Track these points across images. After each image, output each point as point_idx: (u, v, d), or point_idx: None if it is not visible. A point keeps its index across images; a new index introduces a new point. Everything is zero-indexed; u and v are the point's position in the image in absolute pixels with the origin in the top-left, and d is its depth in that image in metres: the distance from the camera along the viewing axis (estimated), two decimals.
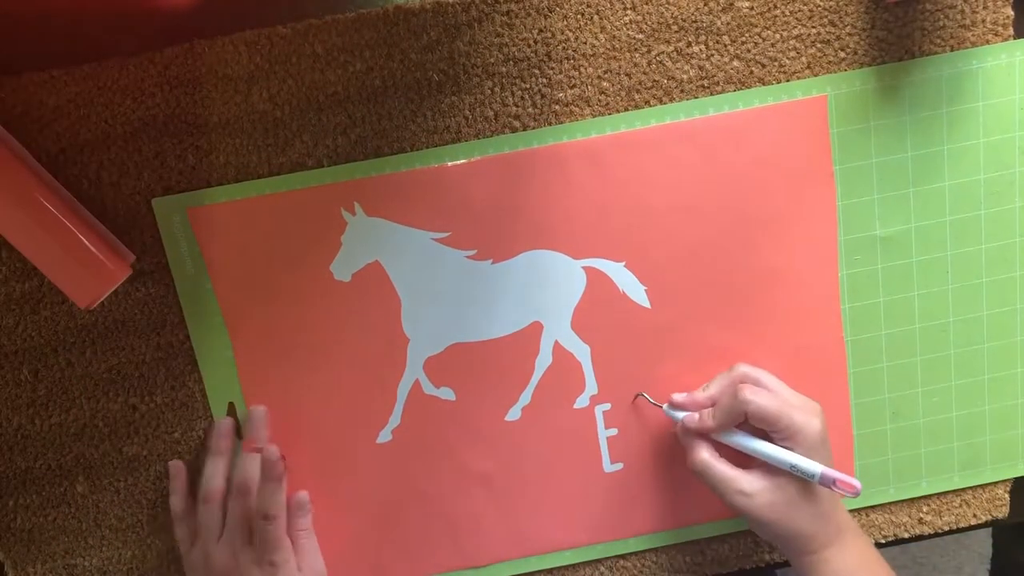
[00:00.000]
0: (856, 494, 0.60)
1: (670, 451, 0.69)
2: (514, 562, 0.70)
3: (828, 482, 0.60)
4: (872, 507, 0.72)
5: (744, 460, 0.63)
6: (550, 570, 0.71)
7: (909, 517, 0.72)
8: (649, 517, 0.70)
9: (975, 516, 0.73)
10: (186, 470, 0.67)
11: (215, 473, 0.65)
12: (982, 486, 0.72)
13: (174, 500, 0.66)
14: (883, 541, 0.72)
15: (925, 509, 0.72)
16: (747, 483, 0.62)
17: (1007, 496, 0.73)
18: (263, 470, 0.63)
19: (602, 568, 0.71)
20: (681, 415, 0.65)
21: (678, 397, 0.65)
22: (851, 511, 0.71)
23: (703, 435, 0.64)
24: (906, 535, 0.73)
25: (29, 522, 0.68)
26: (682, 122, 0.64)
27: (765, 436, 0.62)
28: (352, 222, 0.64)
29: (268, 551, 0.62)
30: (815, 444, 0.61)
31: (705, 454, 0.63)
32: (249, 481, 0.64)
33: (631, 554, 0.71)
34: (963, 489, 0.72)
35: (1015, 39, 0.65)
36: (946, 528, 0.73)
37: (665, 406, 0.66)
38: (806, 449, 0.61)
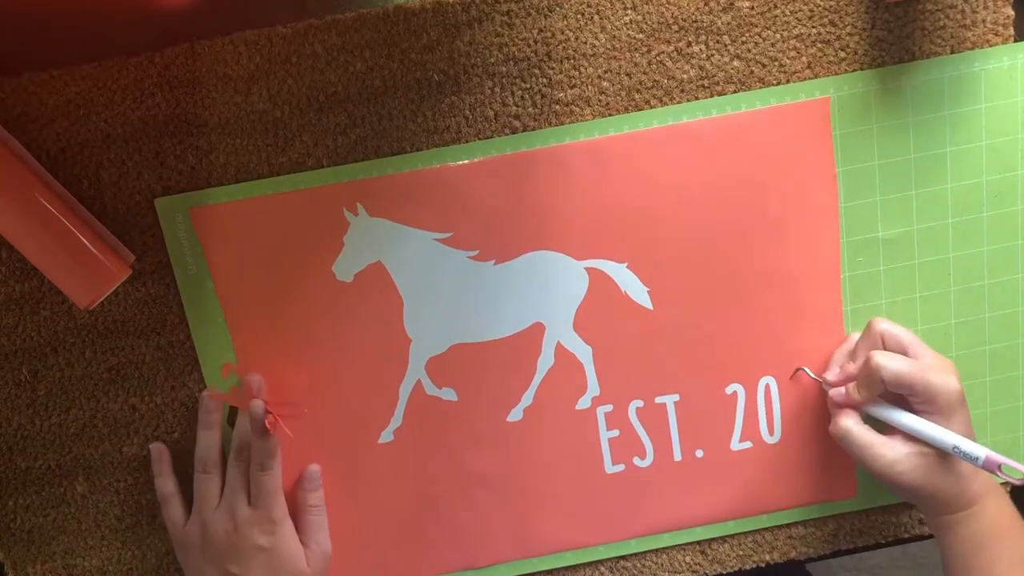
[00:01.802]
0: (1022, 481, 0.59)
1: (671, 452, 0.69)
2: (515, 563, 0.70)
3: (993, 467, 0.59)
4: (872, 507, 0.72)
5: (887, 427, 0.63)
6: (551, 571, 0.71)
7: (909, 517, 0.72)
8: (650, 518, 0.70)
9: None
10: (168, 452, 0.67)
11: (210, 444, 0.65)
12: None
13: (160, 482, 0.66)
14: (883, 541, 0.72)
15: None
16: (888, 449, 0.62)
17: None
18: (251, 425, 0.63)
19: (602, 568, 0.71)
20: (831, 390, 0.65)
21: (831, 376, 0.65)
22: (852, 512, 0.71)
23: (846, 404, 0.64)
24: (906, 535, 0.73)
25: (29, 522, 0.68)
26: (685, 123, 0.64)
27: (905, 401, 0.62)
28: (354, 222, 0.64)
29: (266, 506, 0.63)
30: (954, 405, 0.60)
31: (847, 421, 0.63)
32: (246, 439, 0.64)
33: (632, 555, 0.71)
34: None
35: (1016, 40, 0.65)
36: None
37: (826, 382, 0.66)
38: (945, 411, 0.60)
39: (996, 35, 0.64)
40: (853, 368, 0.64)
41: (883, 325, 0.64)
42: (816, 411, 0.69)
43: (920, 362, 0.61)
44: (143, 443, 0.67)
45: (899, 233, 0.67)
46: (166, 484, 0.66)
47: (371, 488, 0.68)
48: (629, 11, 0.63)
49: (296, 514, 0.66)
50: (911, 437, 0.61)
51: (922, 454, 0.61)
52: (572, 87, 0.63)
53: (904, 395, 0.61)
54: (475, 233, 0.64)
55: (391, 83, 0.63)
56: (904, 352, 0.62)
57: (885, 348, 0.63)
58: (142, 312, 0.65)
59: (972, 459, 0.59)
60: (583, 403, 0.68)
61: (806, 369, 0.67)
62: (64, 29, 0.61)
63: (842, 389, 0.64)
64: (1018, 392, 0.70)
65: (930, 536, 0.74)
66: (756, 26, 0.63)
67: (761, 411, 0.69)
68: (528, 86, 0.63)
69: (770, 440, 0.69)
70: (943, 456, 0.61)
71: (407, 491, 0.68)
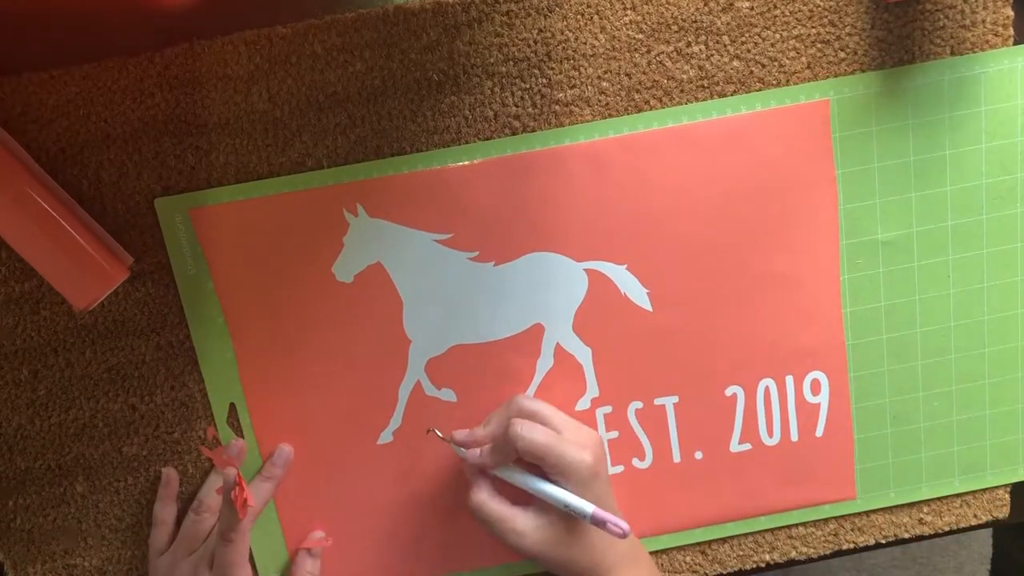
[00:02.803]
0: (624, 536, 0.59)
1: (670, 453, 0.69)
2: (515, 564, 0.70)
3: (599, 522, 0.59)
4: (873, 508, 0.72)
5: (529, 496, 0.63)
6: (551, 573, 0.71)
7: (909, 517, 0.72)
8: (650, 519, 0.70)
9: (975, 516, 0.73)
10: (179, 481, 0.67)
11: (212, 489, 0.66)
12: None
13: (159, 506, 0.67)
14: (883, 541, 0.72)
15: (925, 509, 0.72)
16: (520, 522, 0.61)
17: (1007, 496, 0.73)
18: (223, 492, 0.62)
19: None
20: (465, 452, 0.64)
21: (460, 435, 0.65)
22: (852, 514, 0.71)
23: (484, 472, 0.64)
24: (906, 535, 0.73)
25: (29, 522, 0.68)
26: (684, 125, 0.64)
27: (542, 471, 0.62)
28: (354, 223, 0.64)
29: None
30: (586, 479, 0.60)
31: (481, 495, 0.63)
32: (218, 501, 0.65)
33: None
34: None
35: (1016, 40, 0.65)
36: (946, 528, 0.73)
37: (452, 443, 0.65)
38: (577, 483, 0.60)
39: (996, 35, 0.64)
40: (482, 432, 0.64)
41: (522, 401, 0.64)
42: (816, 414, 0.69)
43: (557, 435, 0.61)
44: (143, 443, 0.67)
45: (899, 235, 0.67)
46: (163, 510, 0.67)
47: (370, 489, 0.68)
48: (629, 11, 0.63)
49: (292, 573, 0.67)
50: (544, 507, 0.62)
51: (552, 525, 0.61)
52: (572, 87, 0.63)
53: (540, 466, 0.61)
54: (475, 234, 0.64)
55: (391, 83, 0.63)
56: (545, 424, 0.63)
57: (518, 450, 0.61)
58: (142, 312, 0.65)
59: (581, 515, 0.59)
60: (582, 404, 0.68)
61: (436, 431, 0.66)
62: (64, 29, 0.61)
63: (476, 451, 0.64)
64: (1017, 395, 0.70)
65: (930, 536, 0.74)
66: (756, 26, 0.63)
67: (761, 413, 0.69)
68: (528, 86, 0.63)
69: (769, 442, 0.69)
70: (574, 527, 0.61)
71: (406, 492, 0.68)
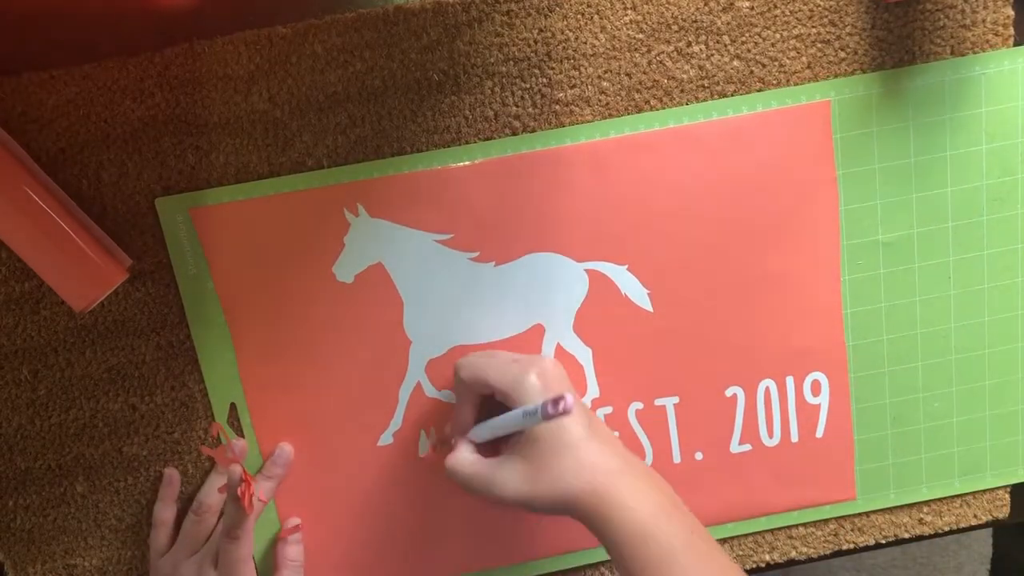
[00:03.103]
0: (569, 406, 0.50)
1: (671, 454, 0.69)
2: (515, 566, 0.70)
3: (548, 407, 0.50)
4: (873, 509, 0.72)
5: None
6: (551, 573, 0.71)
7: (909, 517, 0.72)
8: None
9: (975, 517, 0.73)
10: (180, 482, 0.67)
11: (213, 489, 0.66)
12: None
13: (159, 507, 0.67)
14: (883, 541, 0.72)
15: (925, 510, 0.72)
16: (498, 472, 0.57)
17: (1008, 497, 0.73)
18: (228, 490, 0.62)
19: (603, 569, 0.71)
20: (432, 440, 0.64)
21: (447, 427, 0.64)
22: (852, 515, 0.71)
23: (456, 444, 0.61)
24: (906, 535, 0.73)
25: (29, 522, 0.68)
26: (685, 126, 0.64)
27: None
28: (355, 223, 0.64)
29: (229, 574, 0.62)
30: (538, 393, 0.56)
31: (451, 459, 0.59)
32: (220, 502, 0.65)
33: None
34: None
35: (1016, 40, 0.65)
36: (946, 528, 0.73)
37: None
38: (532, 400, 0.55)
39: (996, 35, 0.64)
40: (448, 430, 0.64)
41: (463, 359, 0.61)
42: (816, 415, 0.69)
43: (496, 360, 0.59)
44: (143, 443, 0.67)
45: (899, 236, 0.67)
46: (164, 511, 0.67)
47: (370, 490, 0.68)
48: (629, 11, 0.62)
49: (276, 564, 0.67)
50: (517, 450, 0.57)
51: (529, 460, 0.56)
52: (572, 87, 0.63)
53: (497, 399, 0.59)
54: (475, 235, 0.64)
55: (391, 83, 0.63)
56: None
57: (463, 380, 0.60)
58: (142, 312, 0.65)
59: (534, 414, 0.53)
60: None
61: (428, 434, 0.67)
62: (64, 29, 0.61)
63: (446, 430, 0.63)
64: (1018, 396, 0.70)
65: (930, 536, 0.74)
66: (756, 26, 0.63)
67: (761, 414, 0.69)
68: (528, 86, 0.63)
69: (770, 443, 0.69)
70: (552, 454, 0.55)
71: (407, 493, 0.68)
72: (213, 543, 0.65)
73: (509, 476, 0.56)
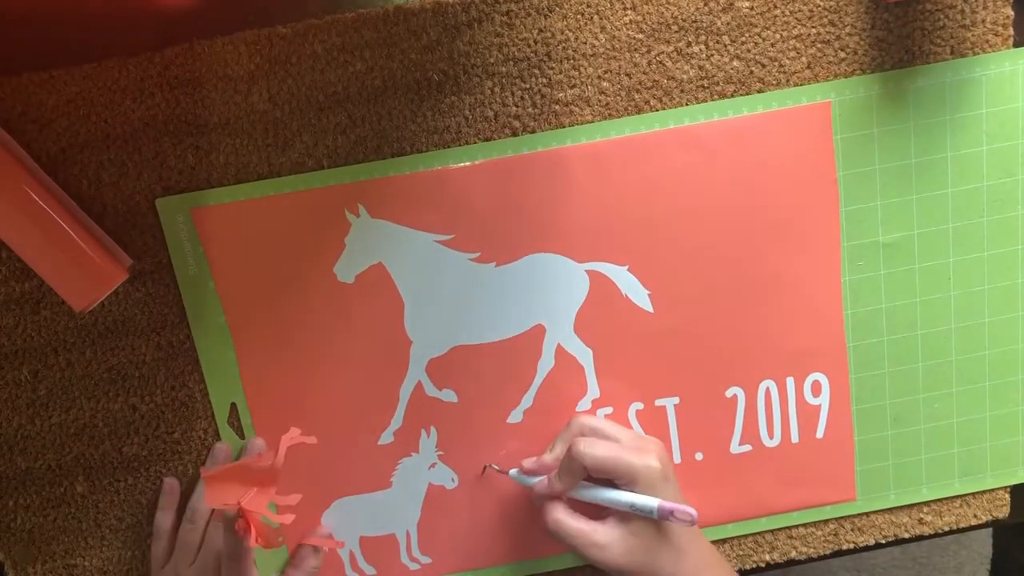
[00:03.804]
0: (692, 522, 0.59)
1: (671, 455, 0.69)
2: (515, 564, 0.70)
3: (666, 514, 0.59)
4: (873, 510, 0.72)
5: (602, 512, 0.62)
6: (551, 572, 0.71)
7: (909, 517, 0.72)
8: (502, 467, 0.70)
9: (975, 516, 0.73)
10: (179, 490, 0.67)
11: (203, 495, 0.65)
12: None
13: (160, 516, 0.67)
14: (883, 541, 0.72)
15: (925, 510, 0.72)
16: (601, 535, 0.61)
17: (1007, 496, 0.73)
18: (224, 523, 0.61)
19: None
20: (533, 480, 0.64)
21: (528, 463, 0.65)
22: (852, 515, 0.71)
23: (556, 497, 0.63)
24: (906, 535, 0.73)
25: (29, 522, 0.68)
26: (686, 126, 0.64)
27: (614, 485, 0.62)
28: (356, 224, 0.64)
29: None
30: (656, 482, 0.60)
31: (557, 513, 0.62)
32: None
33: None
34: None
35: (1015, 40, 0.65)
36: (946, 528, 0.73)
37: (513, 472, 0.66)
38: (648, 488, 0.60)
39: (996, 35, 0.64)
40: (549, 458, 0.64)
41: (583, 420, 0.65)
42: (817, 415, 0.69)
43: (619, 446, 0.62)
44: (143, 443, 0.67)
45: (900, 237, 0.67)
46: (165, 520, 0.67)
47: (371, 489, 0.68)
48: (629, 11, 0.62)
49: (293, 562, 0.67)
50: (622, 519, 0.61)
51: (633, 534, 0.61)
52: (572, 87, 0.63)
53: (611, 479, 0.61)
54: (476, 235, 0.64)
55: (391, 83, 0.63)
56: (607, 439, 0.63)
57: (585, 467, 0.61)
58: (142, 312, 0.65)
59: (648, 512, 0.59)
60: (583, 405, 0.68)
61: (493, 466, 0.67)
62: (64, 29, 0.61)
63: (544, 480, 0.64)
64: (1018, 396, 0.70)
65: (930, 536, 0.74)
66: (756, 26, 0.63)
67: (761, 414, 0.69)
68: (528, 86, 0.63)
69: (770, 444, 0.69)
70: (656, 534, 0.61)
71: (407, 493, 0.68)
72: (209, 551, 0.65)
73: (614, 546, 0.61)
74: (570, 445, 0.61)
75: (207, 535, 0.66)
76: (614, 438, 0.63)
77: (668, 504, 0.59)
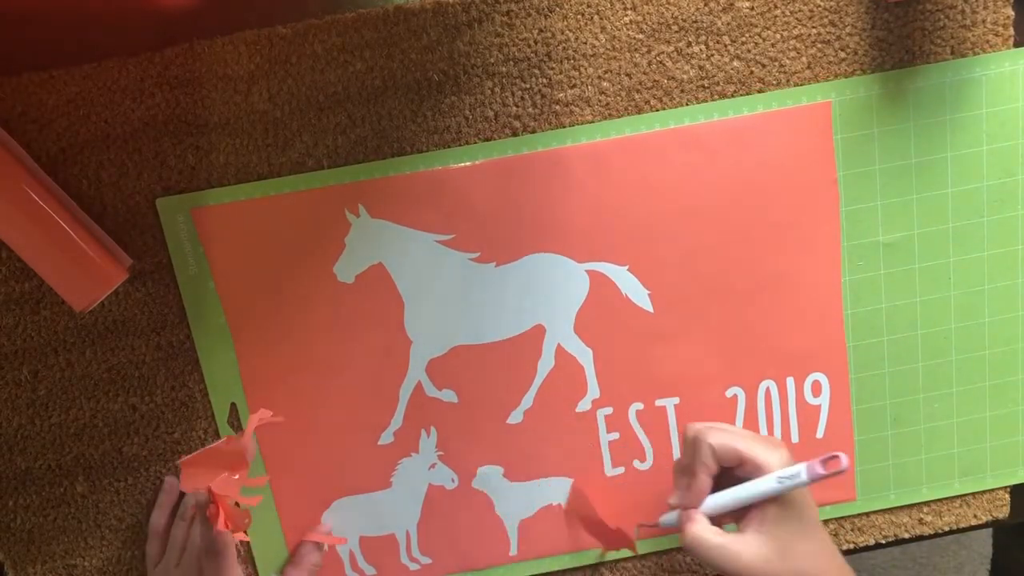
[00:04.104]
0: (844, 468, 0.55)
1: (671, 455, 0.69)
2: (515, 565, 0.70)
3: (815, 473, 0.55)
4: (873, 510, 0.72)
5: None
6: (550, 573, 0.71)
7: (909, 517, 0.72)
8: (650, 520, 0.70)
9: (975, 516, 0.73)
10: (179, 490, 0.67)
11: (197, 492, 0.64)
12: None
13: (156, 515, 0.67)
14: (883, 541, 0.72)
15: (925, 510, 0.72)
16: (742, 544, 0.58)
17: (1007, 496, 0.73)
18: (198, 512, 0.61)
19: (603, 570, 0.71)
20: (675, 513, 0.62)
21: (674, 499, 0.62)
22: (852, 515, 0.71)
23: (692, 511, 0.61)
24: (906, 535, 0.73)
25: (29, 522, 0.68)
26: (686, 126, 0.64)
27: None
28: (356, 224, 0.64)
29: None
30: (787, 461, 0.58)
31: (695, 527, 0.59)
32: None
33: (632, 557, 0.71)
34: None
35: (1016, 40, 0.65)
36: (946, 528, 0.73)
37: (662, 519, 0.63)
38: (781, 467, 0.57)
39: (996, 35, 0.64)
40: (685, 480, 0.61)
41: (699, 424, 0.61)
42: (817, 415, 0.69)
43: (743, 431, 0.60)
44: (143, 443, 0.67)
45: (900, 237, 0.67)
46: (159, 518, 0.67)
47: (371, 489, 0.68)
48: (629, 11, 0.62)
49: (293, 560, 0.67)
50: (758, 526, 0.58)
51: (770, 540, 0.58)
52: (572, 87, 0.63)
53: (738, 474, 0.59)
54: (476, 235, 0.64)
55: (391, 83, 0.63)
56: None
57: (712, 447, 0.59)
58: (142, 312, 0.65)
59: (796, 475, 0.56)
60: (583, 405, 0.68)
61: (645, 524, 0.66)
62: (64, 29, 0.61)
63: (676, 496, 0.61)
64: (1018, 397, 0.70)
65: (930, 536, 0.74)
66: (756, 26, 0.63)
67: (761, 414, 0.69)
68: (528, 86, 0.63)
69: None
70: (795, 534, 0.58)
71: (408, 492, 0.68)
72: (192, 550, 0.64)
73: (758, 552, 0.57)
74: (695, 445, 0.59)
75: (191, 533, 0.65)
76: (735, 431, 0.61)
77: (815, 463, 0.55)
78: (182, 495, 0.67)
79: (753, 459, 0.57)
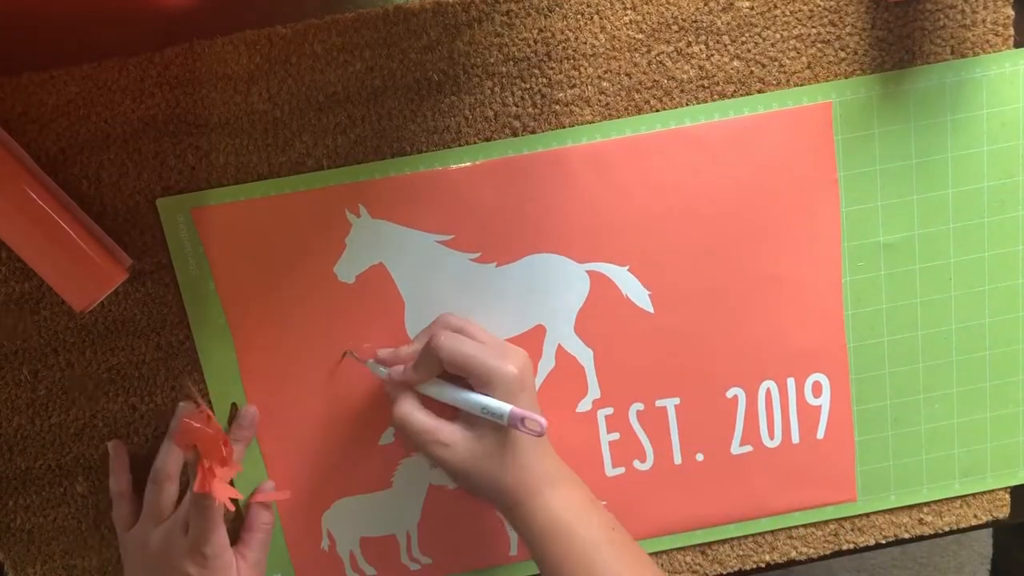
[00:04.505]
0: (541, 433, 0.57)
1: (671, 455, 0.69)
2: (515, 565, 0.70)
3: (516, 421, 0.57)
4: (873, 510, 0.72)
5: (451, 414, 0.61)
6: None
7: (909, 518, 0.72)
8: (651, 520, 0.70)
9: (976, 517, 0.73)
10: (127, 451, 0.66)
11: (168, 457, 0.64)
12: None
13: (114, 480, 0.66)
14: (884, 542, 0.72)
15: (926, 510, 0.72)
16: (447, 433, 0.59)
17: (1008, 497, 0.73)
18: (186, 456, 0.62)
19: None
20: (387, 371, 0.63)
21: (383, 352, 0.64)
22: (852, 516, 0.71)
23: (408, 388, 0.62)
24: (907, 535, 0.73)
25: (29, 522, 0.68)
26: (686, 127, 0.64)
27: (469, 388, 0.60)
28: (357, 224, 0.64)
29: (199, 541, 0.61)
30: (512, 389, 0.59)
31: (405, 406, 0.60)
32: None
33: None
34: None
35: (1016, 40, 0.65)
36: (947, 529, 0.73)
37: (370, 362, 0.64)
38: (504, 394, 0.58)
39: (996, 35, 0.64)
40: (407, 350, 0.63)
41: (449, 316, 0.64)
42: (817, 416, 0.69)
43: (481, 345, 0.60)
44: (143, 443, 0.67)
45: (900, 238, 0.67)
46: (119, 484, 0.65)
47: (371, 489, 0.68)
48: (629, 11, 0.62)
49: (246, 526, 0.67)
50: (470, 422, 0.60)
51: (479, 438, 0.59)
52: (572, 87, 0.63)
53: (466, 378, 0.60)
54: (477, 236, 0.64)
55: (391, 83, 0.63)
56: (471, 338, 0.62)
57: (448, 355, 0.60)
58: (142, 312, 0.65)
59: (498, 416, 0.58)
60: (583, 406, 0.68)
61: (352, 353, 0.65)
62: (64, 29, 0.61)
63: (400, 368, 0.62)
64: (1018, 397, 0.70)
65: (930, 536, 0.74)
66: (756, 26, 0.63)
67: (762, 415, 0.69)
68: (528, 86, 0.63)
69: (770, 444, 0.69)
70: (501, 442, 0.59)
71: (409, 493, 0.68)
72: (181, 510, 0.63)
73: (458, 446, 0.59)
74: (430, 336, 0.60)
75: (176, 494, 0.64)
76: (479, 340, 0.62)
77: (520, 411, 0.57)
78: (145, 460, 0.66)
79: (478, 378, 0.59)
